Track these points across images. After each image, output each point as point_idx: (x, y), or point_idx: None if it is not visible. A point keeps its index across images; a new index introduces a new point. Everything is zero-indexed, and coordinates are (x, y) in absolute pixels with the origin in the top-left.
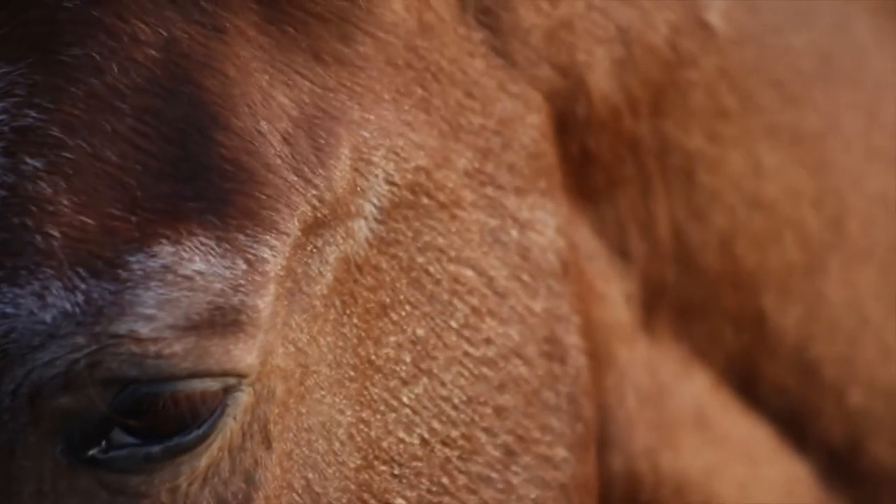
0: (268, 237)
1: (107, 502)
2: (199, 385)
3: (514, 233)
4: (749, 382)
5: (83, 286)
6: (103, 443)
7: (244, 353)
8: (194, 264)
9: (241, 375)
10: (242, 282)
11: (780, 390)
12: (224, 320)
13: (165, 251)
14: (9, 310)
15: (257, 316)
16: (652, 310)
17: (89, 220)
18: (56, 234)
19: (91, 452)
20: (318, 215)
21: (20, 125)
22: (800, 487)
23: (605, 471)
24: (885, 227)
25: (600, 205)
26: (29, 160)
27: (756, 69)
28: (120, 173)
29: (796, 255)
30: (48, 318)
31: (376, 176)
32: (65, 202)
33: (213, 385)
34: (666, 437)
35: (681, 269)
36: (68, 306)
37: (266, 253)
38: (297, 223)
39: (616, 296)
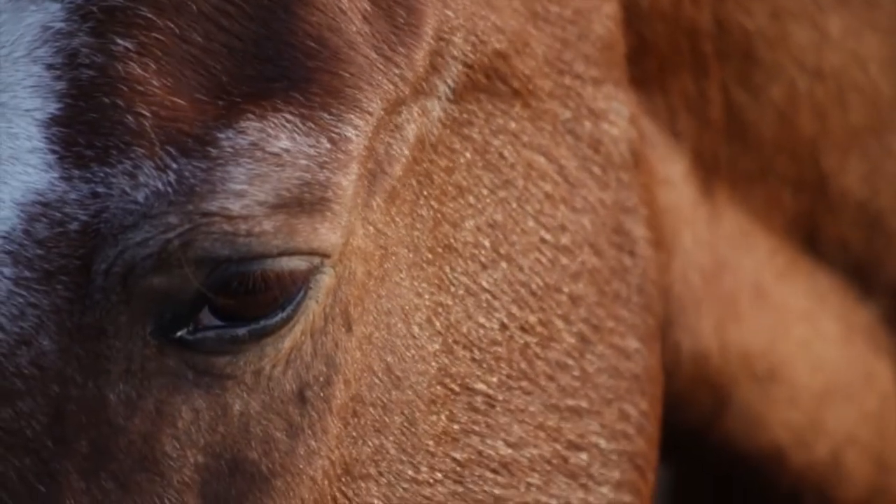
0: (351, 116)
1: (193, 383)
2: (287, 264)
3: (588, 124)
4: (812, 239)
5: (174, 165)
6: (191, 325)
7: (329, 232)
8: (281, 142)
9: (325, 255)
10: (327, 160)
11: (843, 244)
12: (311, 198)
13: (253, 127)
14: (100, 189)
15: (342, 194)
16: (708, 183)
17: (180, 101)
18: (147, 113)
19: (179, 334)
20: (400, 94)
21: (108, 5)
22: (861, 336)
23: (673, 352)
24: None
25: (652, 89)
26: (119, 41)
27: None
28: (205, 55)
29: (861, 117)
30: (140, 197)
31: (454, 57)
32: (155, 83)
33: (300, 264)
34: (729, 311)
35: (734, 143)
36: (160, 185)
37: (350, 132)
38: (379, 102)
39: (675, 177)
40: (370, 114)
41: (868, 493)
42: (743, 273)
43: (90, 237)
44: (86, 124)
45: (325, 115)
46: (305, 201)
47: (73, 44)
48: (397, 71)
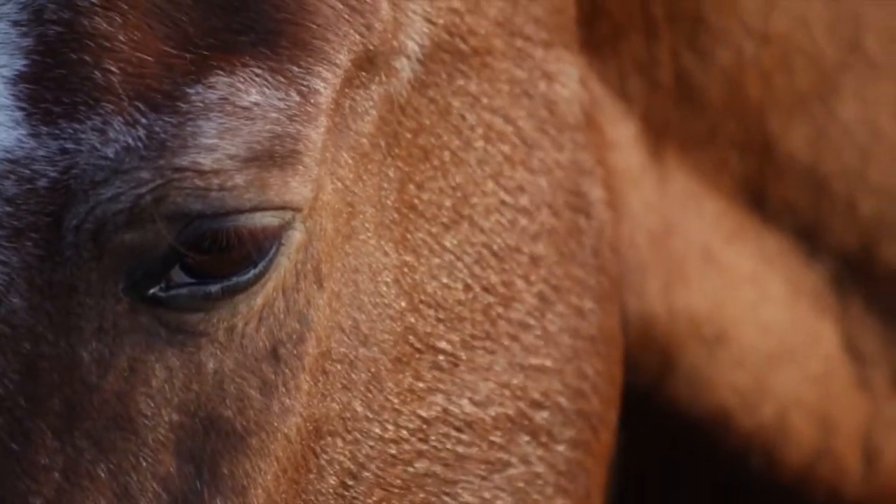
0: (319, 68)
1: (166, 341)
2: (260, 219)
3: (542, 85)
4: (759, 202)
5: (144, 120)
6: (163, 282)
7: (301, 186)
8: (251, 96)
9: (297, 209)
10: (297, 112)
11: (789, 206)
12: (282, 151)
13: (222, 82)
14: (69, 145)
15: (311, 147)
16: (657, 147)
17: (146, 56)
18: (114, 69)
19: (152, 291)
20: (368, 46)
21: None
22: (807, 298)
23: (620, 314)
24: None
25: (604, 53)
26: None
27: None
28: (170, 6)
29: (807, 81)
30: (111, 152)
31: (415, 12)
32: (121, 38)
33: (272, 220)
34: (677, 274)
35: (683, 106)
36: (130, 141)
37: (318, 84)
38: (346, 54)
39: (624, 139)
40: (337, 66)
41: (813, 455)
42: (691, 236)
43: (60, 194)
44: (53, 81)
45: (294, 68)
46: (276, 154)
47: (40, 0)
48: (363, 20)
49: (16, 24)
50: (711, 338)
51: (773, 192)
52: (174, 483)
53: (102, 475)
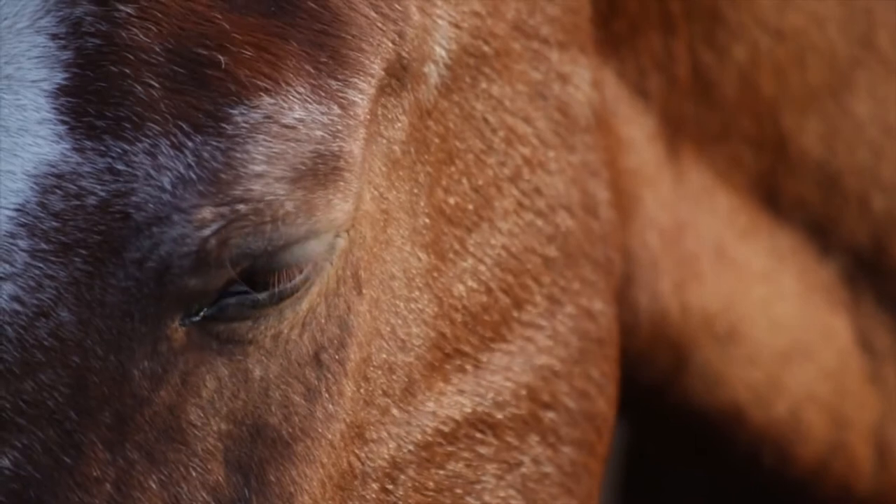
0: (356, 80)
1: (217, 351)
2: (313, 248)
3: (556, 87)
4: (772, 198)
5: (190, 144)
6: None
7: (342, 202)
8: (294, 112)
9: (340, 227)
10: (340, 127)
11: (802, 202)
12: (325, 168)
13: (265, 102)
14: (119, 166)
15: (353, 161)
16: (674, 144)
17: (181, 70)
18: (155, 83)
19: (203, 312)
20: (401, 54)
21: None
22: (820, 294)
23: (631, 311)
24: None
25: (621, 51)
26: (121, 7)
27: None
28: (206, 10)
29: (820, 77)
30: (167, 183)
31: (441, 17)
32: (158, 49)
33: (322, 246)
34: (690, 271)
35: (699, 102)
36: (182, 169)
37: (356, 96)
38: (380, 63)
39: (640, 137)
40: (372, 76)
41: (826, 450)
42: (705, 233)
43: (115, 218)
44: (95, 94)
45: (333, 82)
46: (320, 172)
47: (77, 12)
48: (395, 28)
49: (54, 37)
50: (724, 335)
51: (787, 189)
52: (223, 492)
53: (154, 486)
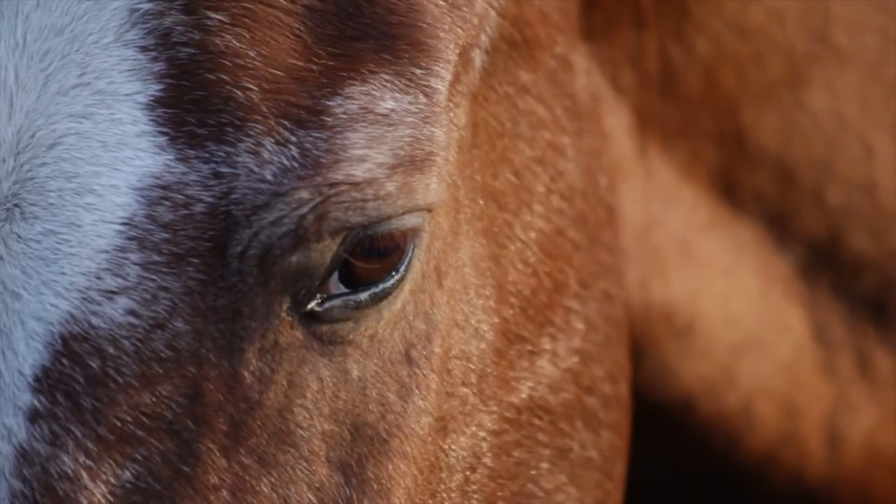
0: (437, 67)
1: (319, 352)
2: (410, 220)
3: (566, 74)
4: (731, 192)
5: (293, 138)
6: (320, 296)
7: (437, 186)
8: (386, 102)
9: (431, 209)
10: (428, 114)
11: (760, 196)
12: (421, 154)
13: (358, 92)
14: (224, 169)
15: (441, 146)
16: (644, 139)
17: (278, 72)
18: (253, 87)
19: (310, 306)
20: (467, 40)
21: None
22: (777, 287)
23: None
24: (877, 29)
25: (600, 44)
26: (212, 14)
27: None
28: (289, 19)
29: (778, 73)
30: (269, 175)
31: (490, 5)
32: (252, 54)
33: (418, 219)
34: (655, 266)
35: (666, 97)
36: (285, 161)
37: (438, 83)
38: (453, 49)
39: (618, 129)
40: (449, 62)
41: (776, 440)
42: (671, 228)
43: (220, 219)
44: (193, 103)
45: (416, 70)
46: (416, 158)
47: (166, 23)
48: (461, 15)
49: (143, 49)
50: (682, 329)
51: (745, 183)
52: (327, 491)
53: (265, 489)
